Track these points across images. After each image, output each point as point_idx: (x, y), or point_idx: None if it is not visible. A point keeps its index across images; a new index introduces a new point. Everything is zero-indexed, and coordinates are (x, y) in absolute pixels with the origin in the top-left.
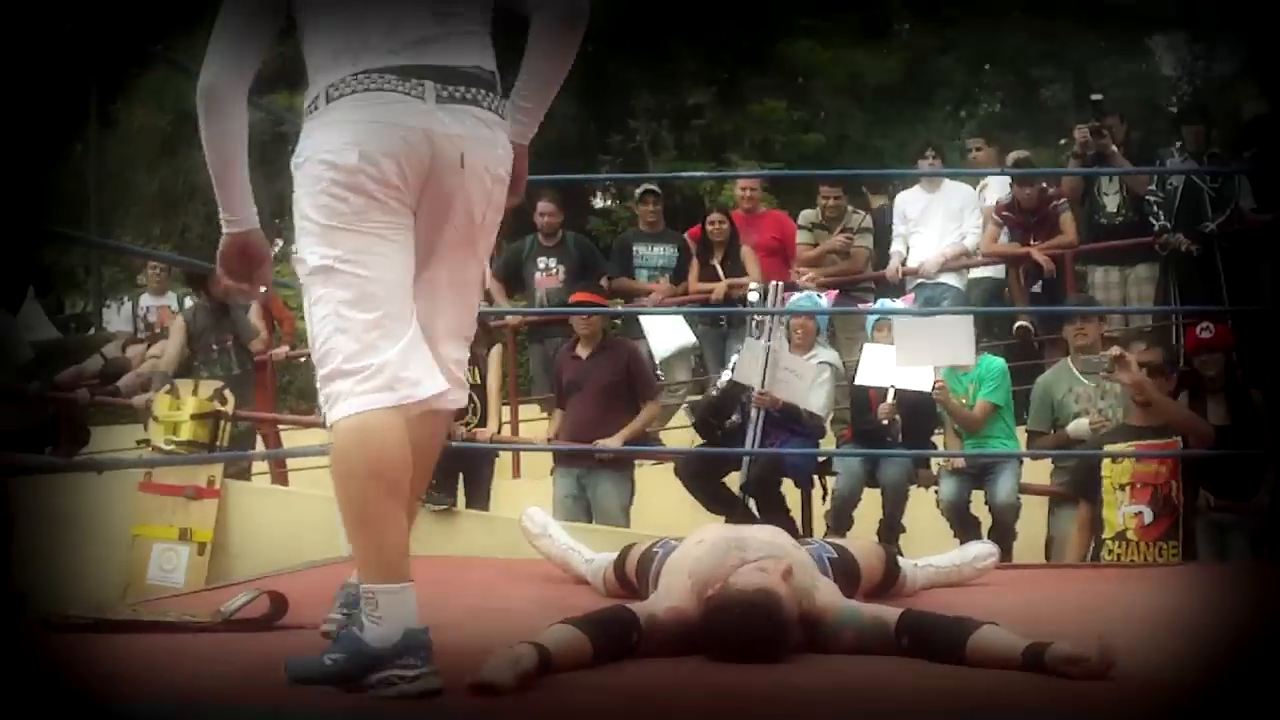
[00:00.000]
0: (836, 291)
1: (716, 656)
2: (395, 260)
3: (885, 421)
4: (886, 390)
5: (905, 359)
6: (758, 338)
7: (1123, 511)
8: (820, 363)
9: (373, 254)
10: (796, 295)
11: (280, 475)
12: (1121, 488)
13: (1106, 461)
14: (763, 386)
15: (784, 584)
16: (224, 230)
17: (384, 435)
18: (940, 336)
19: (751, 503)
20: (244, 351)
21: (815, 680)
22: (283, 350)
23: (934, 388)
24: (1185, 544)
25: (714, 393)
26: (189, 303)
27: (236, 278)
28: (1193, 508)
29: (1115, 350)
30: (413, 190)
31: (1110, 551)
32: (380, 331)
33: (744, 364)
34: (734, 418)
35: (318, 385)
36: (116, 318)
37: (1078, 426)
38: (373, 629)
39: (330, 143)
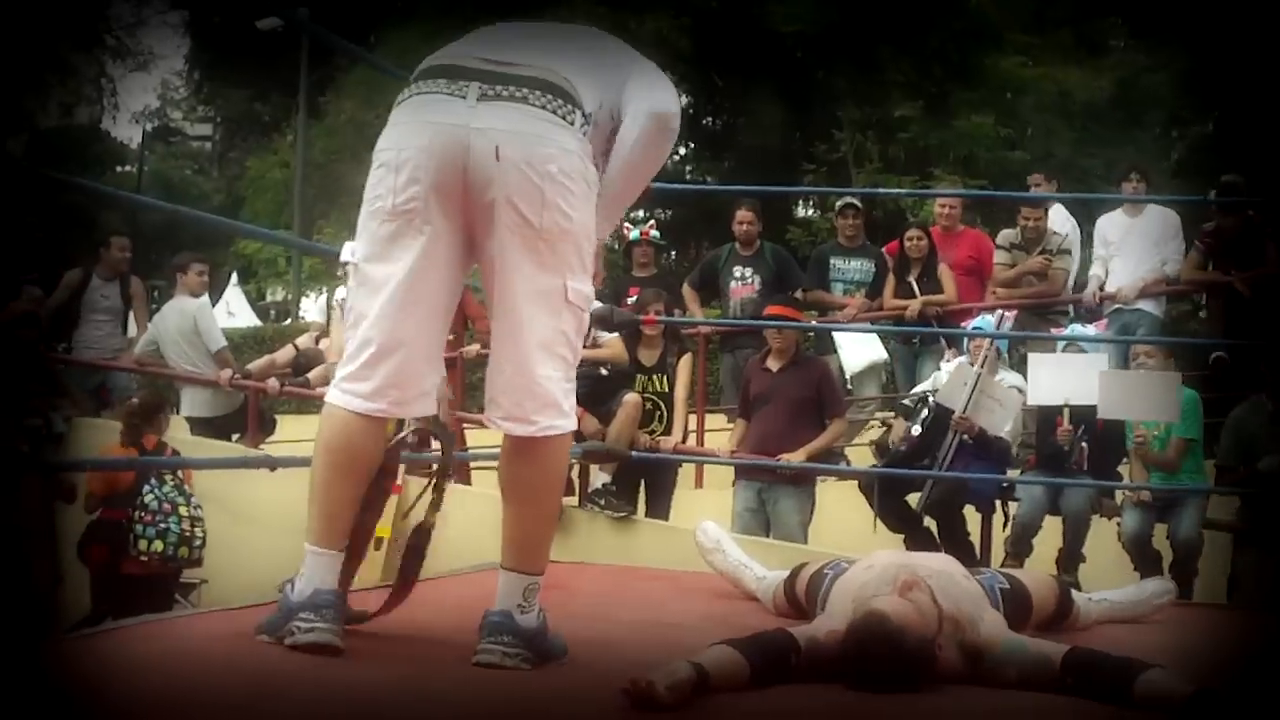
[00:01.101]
0: (1014, 313)
1: (853, 685)
2: (420, 270)
3: (1065, 446)
4: (1063, 409)
5: (1107, 410)
6: (971, 363)
7: None
8: (1009, 387)
9: (397, 258)
10: (974, 320)
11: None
12: None
13: None
14: (964, 411)
15: (899, 600)
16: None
17: (354, 433)
18: (1146, 391)
19: (932, 524)
20: None
21: (955, 709)
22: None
23: (1134, 440)
24: None
25: (916, 423)
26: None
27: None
28: None
29: None
30: (449, 187)
31: None
32: (385, 334)
33: (951, 386)
34: (915, 431)
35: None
36: (314, 307)
37: (1270, 464)
38: (297, 584)
39: (382, 140)
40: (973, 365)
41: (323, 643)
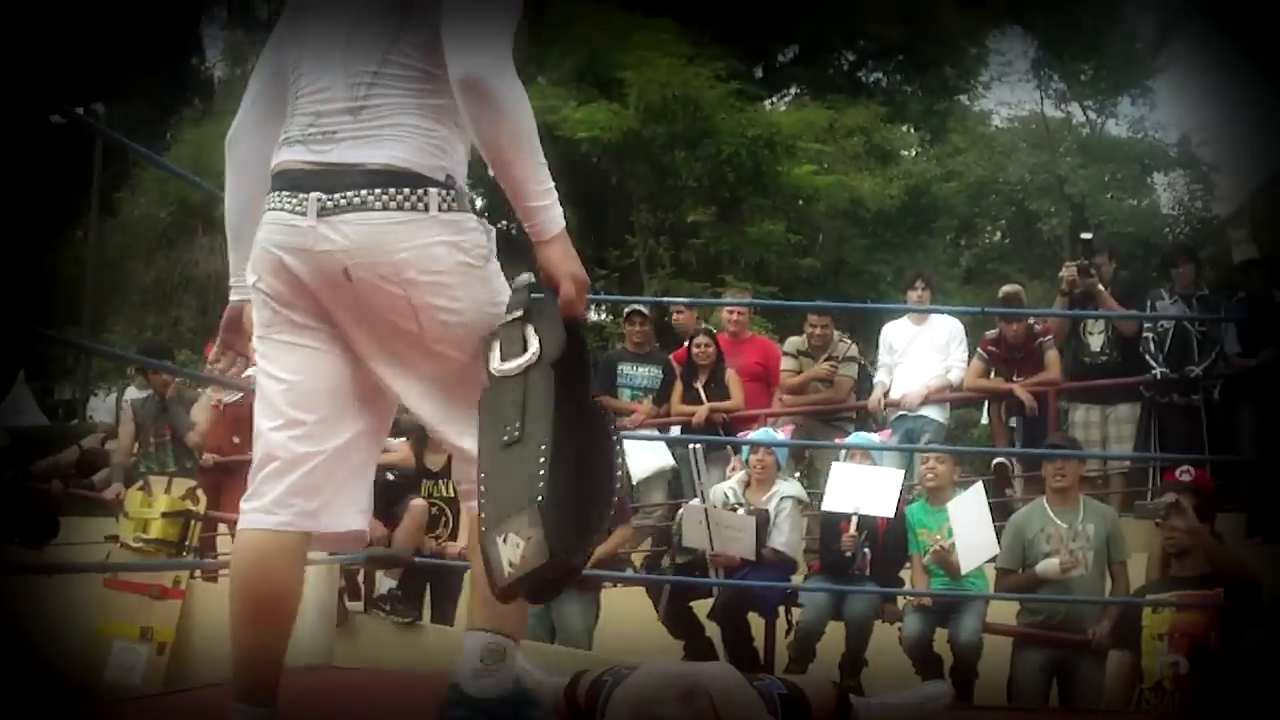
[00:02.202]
0: (793, 426)
1: None
2: (310, 371)
3: (848, 553)
4: (852, 517)
5: (831, 502)
6: (691, 499)
7: (1161, 661)
8: (783, 498)
9: (285, 366)
10: (754, 431)
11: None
12: (1160, 637)
13: (1147, 611)
14: (713, 549)
15: (675, 705)
16: (231, 298)
17: (253, 557)
18: (868, 485)
19: (717, 631)
20: (181, 445)
21: None
22: None
23: (933, 551)
24: (1222, 696)
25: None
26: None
27: (224, 346)
28: (1233, 658)
29: (1171, 496)
30: (314, 308)
31: (1149, 701)
32: (282, 450)
33: (689, 530)
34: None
35: None
36: (102, 406)
37: (1047, 566)
38: None
39: (251, 257)
40: (695, 501)
41: None
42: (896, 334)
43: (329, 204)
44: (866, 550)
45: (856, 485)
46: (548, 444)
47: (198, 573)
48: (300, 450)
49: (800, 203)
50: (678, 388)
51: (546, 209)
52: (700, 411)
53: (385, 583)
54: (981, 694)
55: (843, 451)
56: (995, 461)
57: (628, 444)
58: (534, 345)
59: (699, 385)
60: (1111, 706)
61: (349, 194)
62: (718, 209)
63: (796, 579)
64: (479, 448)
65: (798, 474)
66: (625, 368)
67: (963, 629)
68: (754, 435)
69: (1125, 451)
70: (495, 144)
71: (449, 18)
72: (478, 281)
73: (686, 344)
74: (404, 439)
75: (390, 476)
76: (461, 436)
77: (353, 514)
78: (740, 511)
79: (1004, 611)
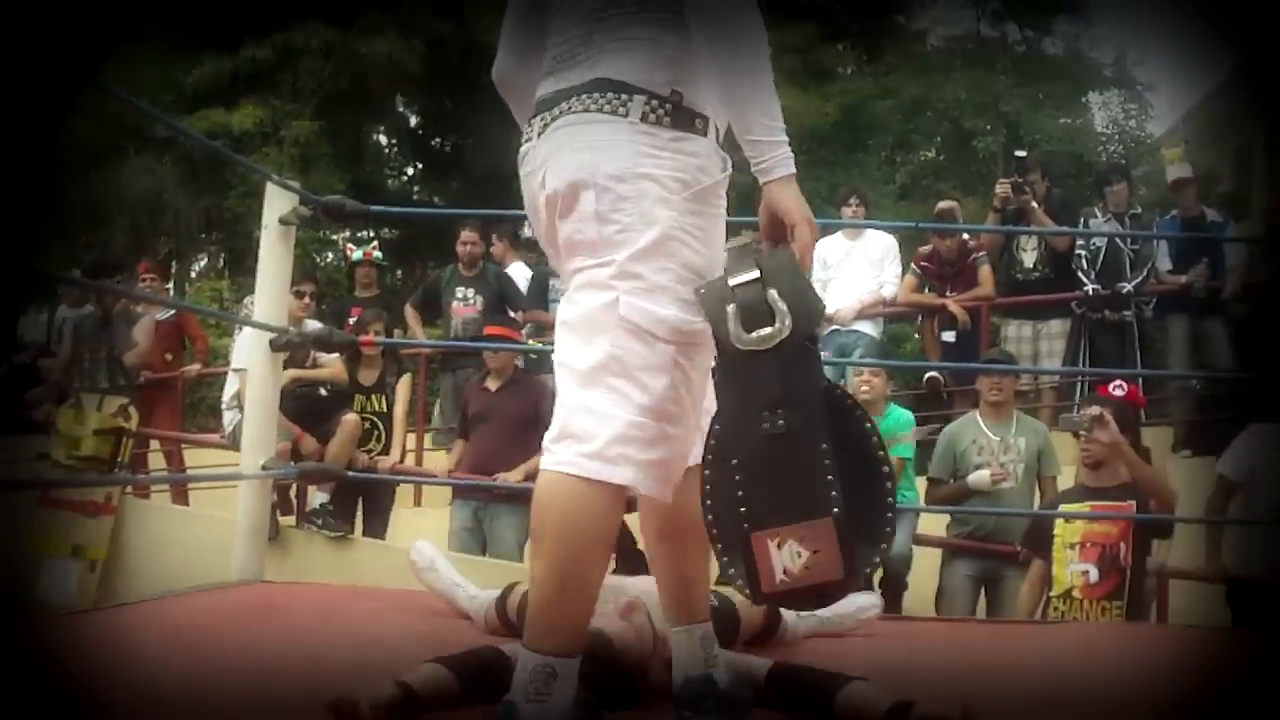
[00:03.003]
0: None
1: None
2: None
3: None
4: None
5: None
6: None
7: (1070, 570)
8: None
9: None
10: None
11: (180, 495)
12: (1072, 546)
13: (1059, 520)
14: None
15: (620, 622)
16: None
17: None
18: None
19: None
20: (117, 363)
21: None
22: (194, 368)
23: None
24: (1131, 604)
25: None
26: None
27: None
28: (1142, 568)
29: (1095, 409)
30: (549, 240)
31: (1056, 609)
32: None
33: None
34: None
35: None
36: (33, 325)
37: (978, 478)
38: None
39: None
40: None
41: None
42: (831, 249)
43: (548, 121)
44: None
45: None
46: (828, 443)
47: (129, 489)
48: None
49: None
50: None
51: (778, 145)
52: None
53: (317, 497)
54: (910, 604)
55: None
56: (928, 375)
57: None
58: (784, 315)
59: None
60: (1023, 612)
61: (560, 106)
62: None
63: None
64: (722, 428)
65: None
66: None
67: (893, 540)
68: None
69: (1057, 367)
70: (726, 69)
71: None
72: (651, 198)
73: None
74: (335, 355)
75: (322, 392)
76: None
77: None
78: None
79: (934, 523)
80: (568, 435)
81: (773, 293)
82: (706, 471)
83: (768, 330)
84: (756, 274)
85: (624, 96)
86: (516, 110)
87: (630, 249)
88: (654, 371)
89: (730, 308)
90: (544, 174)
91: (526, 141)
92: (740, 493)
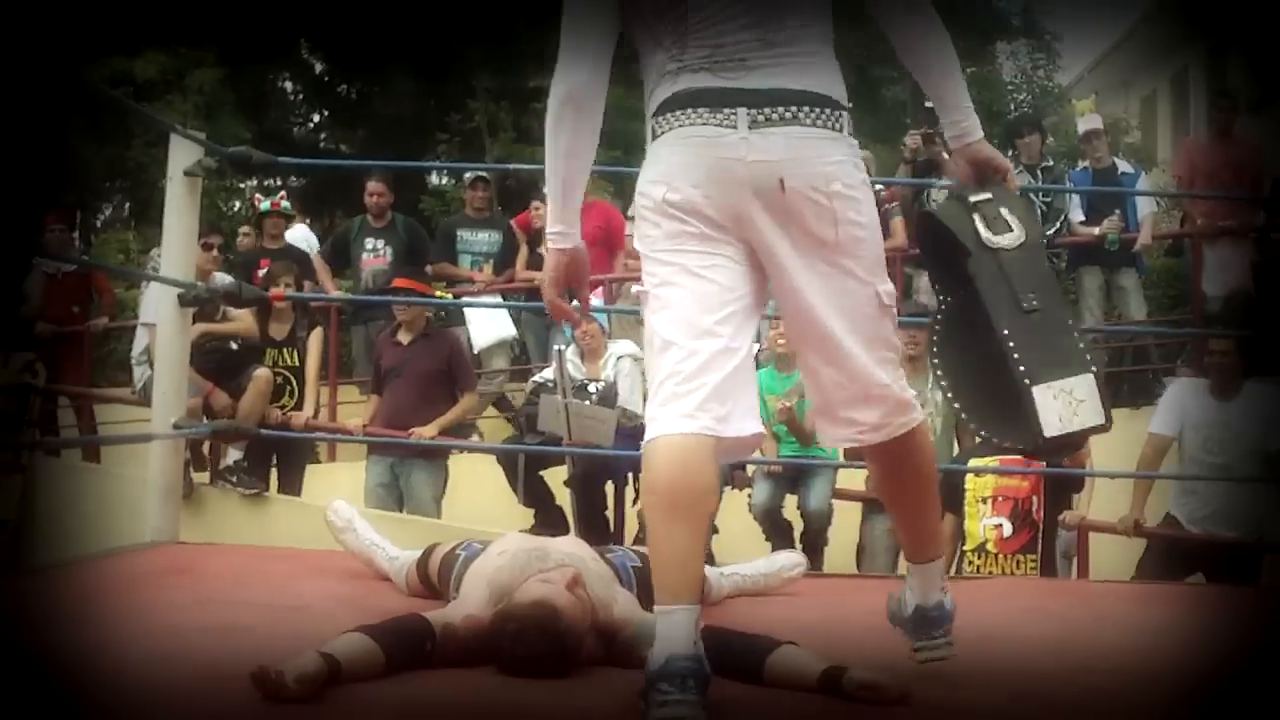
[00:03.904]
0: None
1: (504, 670)
2: (713, 289)
3: None
4: None
5: None
6: (552, 391)
7: (984, 524)
8: (619, 359)
9: (686, 283)
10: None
11: (91, 452)
12: (984, 500)
13: (970, 474)
14: (570, 439)
15: (568, 594)
16: (555, 246)
17: (675, 458)
18: None
19: (569, 500)
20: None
21: (604, 696)
22: (102, 321)
23: (778, 410)
24: (1044, 559)
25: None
26: None
27: (562, 298)
28: (1053, 522)
29: None
30: (733, 218)
31: (970, 563)
32: (694, 359)
33: (547, 417)
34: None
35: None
36: None
37: None
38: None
39: (647, 175)
40: (554, 394)
41: (684, 718)
42: None
43: (759, 117)
44: None
45: None
46: (1074, 321)
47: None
48: (717, 359)
49: (638, 65)
50: (521, 253)
51: (973, 112)
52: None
53: (231, 454)
54: (831, 560)
55: None
56: None
57: (469, 312)
58: (1020, 224)
59: (542, 250)
60: None
61: (780, 109)
62: None
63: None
64: (992, 308)
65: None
66: (464, 233)
67: (812, 496)
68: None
69: None
70: (935, 55)
71: None
72: (872, 203)
73: (528, 209)
74: (245, 309)
75: (233, 346)
76: (862, 352)
77: (752, 419)
78: (593, 395)
79: (854, 478)
80: (910, 405)
81: (1004, 209)
82: (948, 352)
83: (1011, 235)
84: (989, 195)
85: (837, 113)
86: (581, 127)
87: (874, 251)
88: None
89: (976, 217)
90: (781, 175)
91: (708, 125)
92: (1016, 355)
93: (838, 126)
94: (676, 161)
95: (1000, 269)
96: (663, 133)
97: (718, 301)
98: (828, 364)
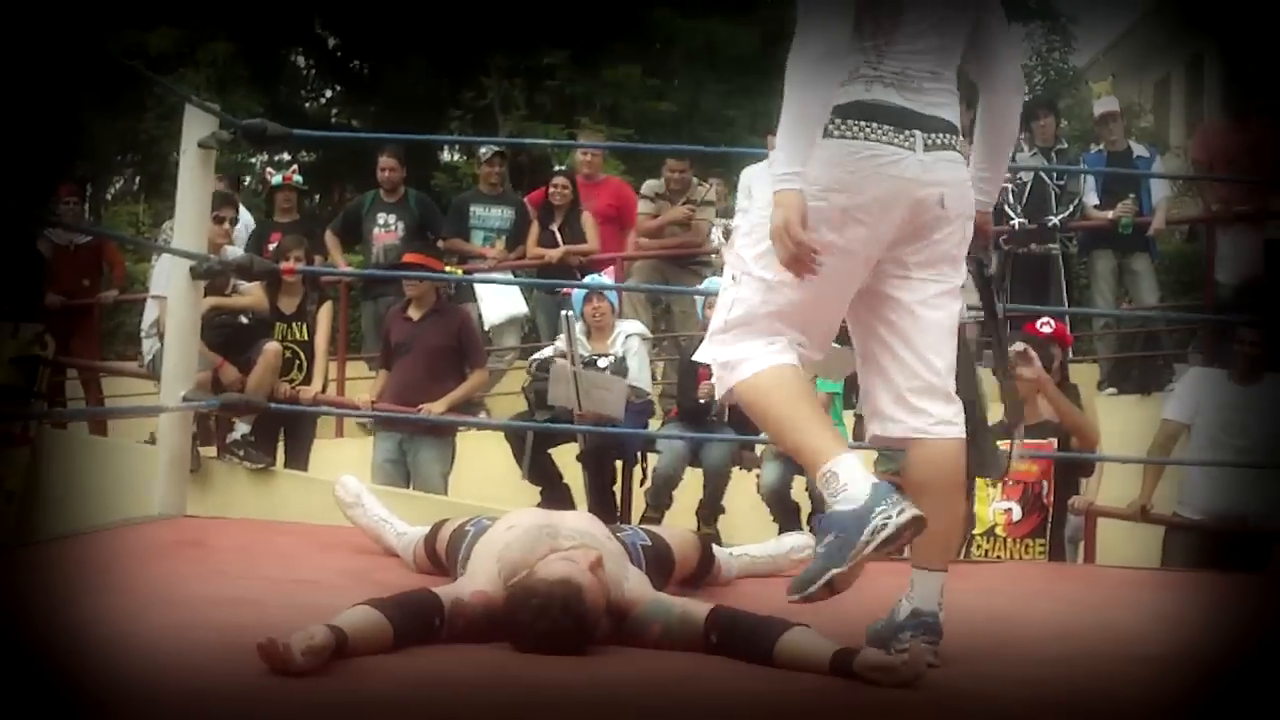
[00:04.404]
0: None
1: (519, 646)
2: (828, 296)
3: (703, 400)
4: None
5: (700, 352)
6: (564, 359)
7: (993, 508)
8: (628, 336)
9: (807, 286)
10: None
11: (99, 425)
12: (994, 484)
13: None
14: (580, 408)
15: (590, 575)
16: (794, 187)
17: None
18: None
19: (579, 477)
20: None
21: (620, 675)
22: (112, 294)
23: None
24: (1053, 543)
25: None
26: None
27: (796, 240)
28: (1064, 507)
29: (1020, 346)
30: (886, 234)
31: (979, 547)
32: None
33: (556, 387)
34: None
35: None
36: None
37: None
38: (843, 497)
39: (820, 180)
40: (565, 363)
41: (919, 514)
42: (756, 179)
43: (930, 142)
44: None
45: None
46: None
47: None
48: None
49: (657, 46)
50: (533, 230)
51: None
52: (554, 253)
53: (239, 428)
54: None
55: (699, 302)
56: None
57: (480, 289)
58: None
59: (554, 227)
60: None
61: (945, 137)
62: (572, 51)
63: (653, 424)
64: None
65: (655, 318)
66: (478, 209)
67: None
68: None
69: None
70: (1010, 136)
71: (1002, 32)
72: None
73: (544, 186)
74: (255, 283)
75: (243, 320)
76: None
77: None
78: (604, 368)
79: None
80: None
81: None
82: None
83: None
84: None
85: (963, 145)
86: (832, 82)
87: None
88: None
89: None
90: (943, 194)
91: (888, 144)
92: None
93: (964, 157)
94: (861, 169)
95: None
96: (846, 136)
97: (837, 310)
98: (915, 364)
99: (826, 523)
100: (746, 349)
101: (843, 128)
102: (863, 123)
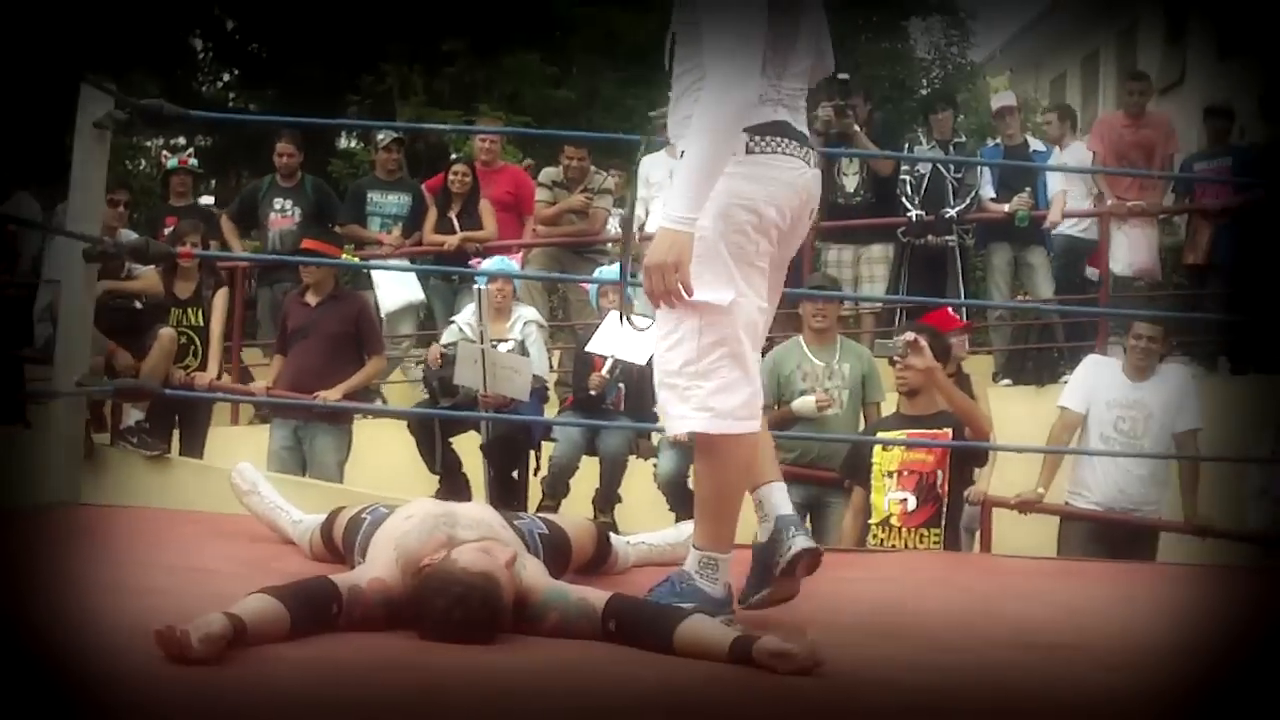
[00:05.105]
0: (522, 255)
1: (424, 634)
2: (762, 300)
3: (594, 391)
4: (608, 359)
5: (593, 344)
6: (471, 340)
7: (888, 498)
8: (526, 323)
9: (758, 293)
10: (489, 260)
11: None
12: (890, 474)
13: (877, 448)
14: (485, 389)
15: (507, 571)
16: (679, 229)
17: (749, 447)
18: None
19: (478, 467)
20: None
21: (519, 662)
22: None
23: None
24: (948, 533)
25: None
26: None
27: (680, 281)
28: (958, 497)
29: (910, 335)
30: (784, 238)
31: (875, 536)
32: (755, 363)
33: (463, 368)
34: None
35: (676, 393)
36: None
37: (803, 404)
38: (707, 583)
39: (755, 195)
40: (473, 343)
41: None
42: (654, 167)
43: (811, 159)
44: (621, 386)
45: (619, 333)
46: None
47: None
48: (756, 367)
49: (556, 34)
50: (430, 217)
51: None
52: (452, 240)
53: (133, 414)
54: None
55: (592, 290)
56: None
57: (376, 276)
58: None
59: (452, 214)
60: (846, 541)
61: (813, 152)
62: (471, 38)
63: (549, 411)
64: None
65: (552, 306)
66: (375, 195)
67: None
68: (489, 264)
69: (878, 293)
70: None
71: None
72: None
73: (443, 173)
74: (151, 267)
75: (137, 305)
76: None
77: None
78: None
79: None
80: None
81: None
82: None
83: None
84: None
85: None
86: (742, 120)
87: None
88: None
89: None
90: (814, 206)
91: (796, 159)
92: None
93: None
94: (781, 184)
95: None
96: (765, 152)
97: (765, 316)
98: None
99: (694, 595)
100: (731, 397)
101: (763, 144)
102: (778, 139)
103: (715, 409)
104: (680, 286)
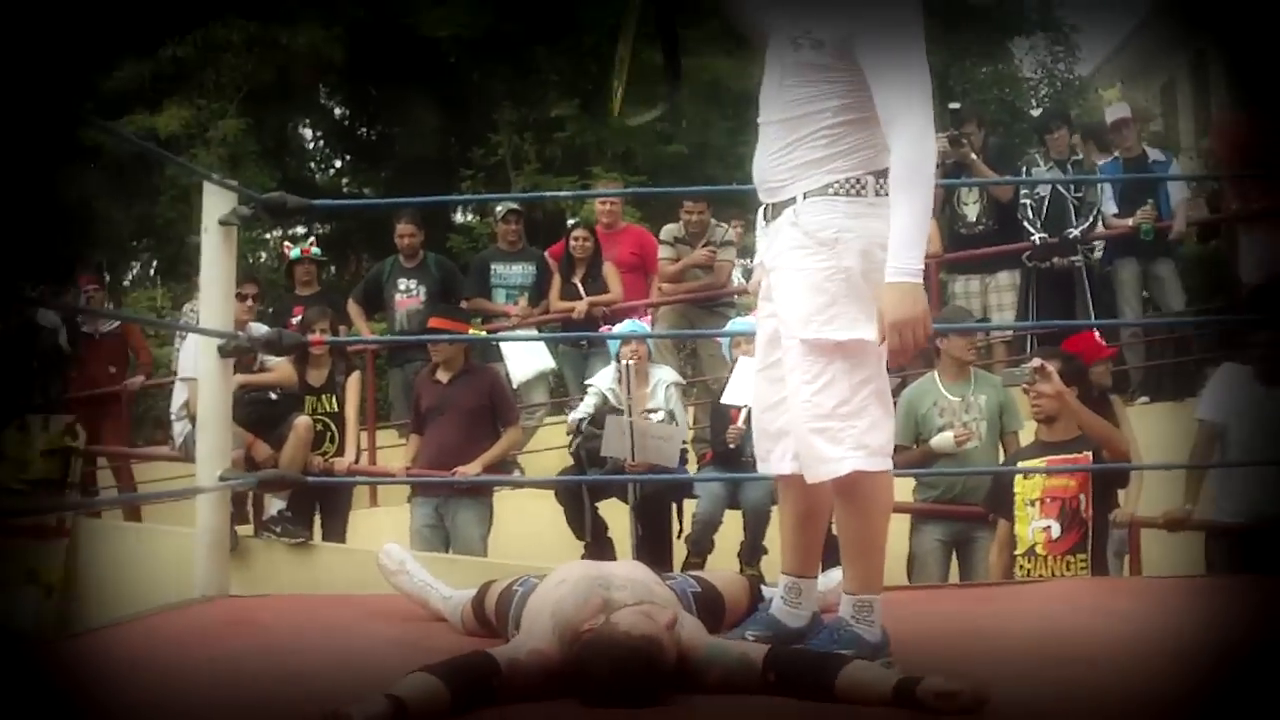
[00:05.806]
0: (651, 315)
1: (589, 700)
2: None
3: (732, 444)
4: (743, 410)
5: (728, 395)
6: (620, 413)
7: (1032, 527)
8: (667, 386)
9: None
10: (622, 324)
11: (133, 511)
12: (1032, 503)
13: (1018, 478)
14: (633, 459)
15: (669, 633)
16: (915, 282)
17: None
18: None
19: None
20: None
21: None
22: (138, 380)
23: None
24: (1094, 558)
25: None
26: None
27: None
28: (1103, 521)
29: (1037, 361)
30: None
31: (1021, 568)
32: (885, 404)
33: (611, 440)
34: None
35: (828, 436)
36: None
37: (942, 440)
38: (866, 627)
39: (885, 235)
40: (622, 415)
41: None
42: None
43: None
44: None
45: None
46: None
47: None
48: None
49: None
50: (555, 284)
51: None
52: (579, 306)
53: (274, 504)
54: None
55: (725, 342)
56: None
57: (506, 347)
58: None
59: (577, 280)
60: (994, 575)
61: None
62: (581, 101)
63: (690, 468)
64: None
65: (682, 362)
66: (499, 267)
67: (752, 497)
68: (621, 328)
69: (1008, 320)
70: None
71: None
72: None
73: (563, 239)
74: (283, 358)
75: (272, 396)
76: None
77: None
78: (659, 419)
79: (901, 489)
80: None
81: None
82: None
83: None
84: None
85: None
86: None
87: None
88: None
89: None
90: None
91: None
92: None
93: None
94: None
95: None
96: (883, 194)
97: None
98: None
99: (852, 642)
100: (881, 433)
101: (881, 188)
102: (886, 182)
103: (869, 446)
104: (922, 344)
